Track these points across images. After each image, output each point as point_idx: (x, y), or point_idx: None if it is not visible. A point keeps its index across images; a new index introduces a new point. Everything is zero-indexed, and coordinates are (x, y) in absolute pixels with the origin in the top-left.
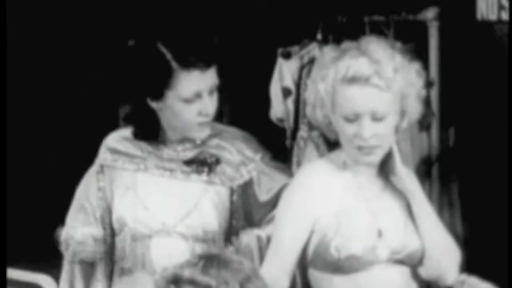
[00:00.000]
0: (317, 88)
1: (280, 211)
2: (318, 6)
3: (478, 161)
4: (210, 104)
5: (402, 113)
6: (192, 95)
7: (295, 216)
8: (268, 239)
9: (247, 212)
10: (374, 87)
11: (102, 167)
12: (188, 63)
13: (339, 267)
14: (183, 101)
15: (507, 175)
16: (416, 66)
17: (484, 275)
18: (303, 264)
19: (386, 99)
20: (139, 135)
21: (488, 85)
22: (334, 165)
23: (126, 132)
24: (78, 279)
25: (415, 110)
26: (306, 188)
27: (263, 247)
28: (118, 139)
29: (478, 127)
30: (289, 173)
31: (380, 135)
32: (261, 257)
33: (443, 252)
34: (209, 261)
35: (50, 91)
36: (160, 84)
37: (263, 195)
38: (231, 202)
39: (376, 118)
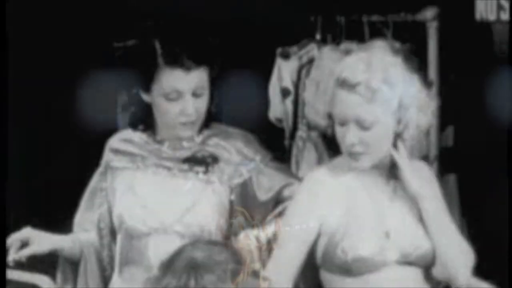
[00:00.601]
0: (329, 82)
1: (288, 214)
2: (317, 6)
3: (477, 161)
4: (191, 106)
5: (403, 123)
6: (172, 93)
7: (301, 220)
8: (268, 240)
9: (246, 211)
10: (359, 95)
11: (105, 168)
12: (171, 61)
13: (347, 269)
14: (164, 98)
15: (506, 174)
16: (419, 77)
17: (484, 275)
18: (311, 266)
19: (372, 109)
20: (134, 125)
21: (487, 85)
22: (341, 168)
23: (127, 133)
24: (69, 275)
25: (420, 121)
26: (313, 191)
27: (262, 247)
28: (119, 140)
29: (477, 126)
30: (289, 173)
31: (366, 142)
32: (260, 257)
33: (454, 253)
34: (199, 275)
35: (47, 89)
36: (146, 76)
37: (263, 195)
38: (230, 201)
39: (362, 126)
